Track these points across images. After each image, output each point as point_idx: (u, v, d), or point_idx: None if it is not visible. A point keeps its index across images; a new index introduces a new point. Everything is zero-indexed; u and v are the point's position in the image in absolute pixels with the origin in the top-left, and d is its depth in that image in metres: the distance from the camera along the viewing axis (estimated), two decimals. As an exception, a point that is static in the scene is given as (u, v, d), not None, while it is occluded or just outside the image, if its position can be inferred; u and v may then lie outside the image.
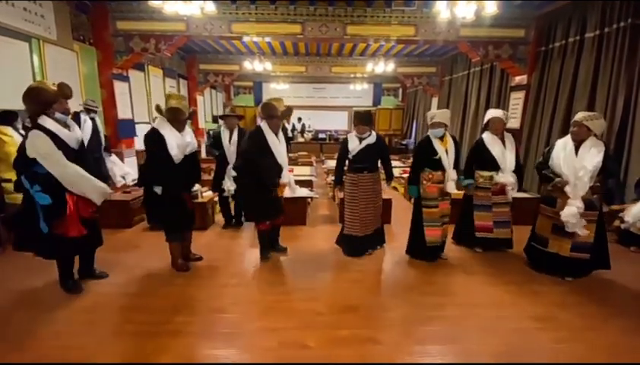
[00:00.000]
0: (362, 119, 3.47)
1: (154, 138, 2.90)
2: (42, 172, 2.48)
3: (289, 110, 3.30)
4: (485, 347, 2.23)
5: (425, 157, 3.41)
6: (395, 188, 6.87)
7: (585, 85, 5.03)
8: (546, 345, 2.27)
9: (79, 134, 2.71)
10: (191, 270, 3.25)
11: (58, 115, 2.57)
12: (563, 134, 5.34)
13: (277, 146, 3.27)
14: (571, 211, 2.96)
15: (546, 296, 2.86)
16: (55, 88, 2.57)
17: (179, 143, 2.92)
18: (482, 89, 7.91)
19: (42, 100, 2.50)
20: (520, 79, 6.34)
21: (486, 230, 3.69)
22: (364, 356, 2.14)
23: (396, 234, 4.34)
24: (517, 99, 6.41)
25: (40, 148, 2.45)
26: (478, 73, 8.07)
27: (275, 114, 3.22)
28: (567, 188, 2.99)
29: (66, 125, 2.63)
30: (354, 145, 3.46)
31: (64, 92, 2.61)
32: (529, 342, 2.29)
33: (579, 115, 3.02)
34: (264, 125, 3.27)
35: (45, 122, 2.50)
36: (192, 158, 3.13)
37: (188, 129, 3.10)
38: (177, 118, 2.94)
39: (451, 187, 3.42)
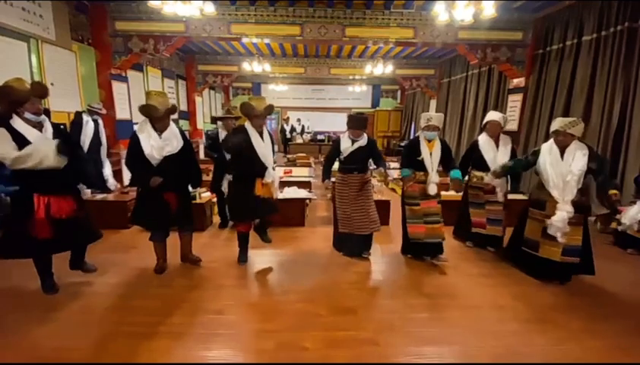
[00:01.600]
0: (359, 124, 3.47)
1: (130, 140, 2.95)
2: (4, 172, 2.48)
3: (269, 108, 3.20)
4: (482, 349, 2.23)
5: (410, 157, 3.50)
6: (394, 190, 6.89)
7: (582, 87, 5.06)
8: (544, 347, 2.27)
9: (49, 135, 2.58)
10: (183, 271, 3.24)
11: (28, 115, 2.48)
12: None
13: (261, 145, 3.21)
14: (562, 217, 2.95)
15: (542, 298, 2.87)
16: (28, 87, 2.48)
17: (153, 144, 2.88)
18: (480, 91, 7.94)
19: (12, 99, 2.43)
20: (518, 81, 6.37)
21: (481, 225, 3.82)
22: (361, 357, 2.14)
23: (394, 236, 4.34)
24: (515, 102, 6.44)
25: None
26: (476, 75, 8.11)
27: (252, 113, 3.17)
28: (554, 192, 3.01)
29: (39, 125, 2.55)
30: (346, 146, 3.51)
31: (37, 91, 2.52)
32: (526, 344, 2.29)
33: (560, 125, 2.98)
34: (247, 124, 3.24)
35: (15, 122, 2.45)
36: (178, 159, 3.02)
37: (172, 130, 3.00)
38: (149, 114, 2.89)
39: (432, 189, 3.43)
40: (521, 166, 3.41)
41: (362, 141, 3.49)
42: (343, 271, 3.36)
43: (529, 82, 6.15)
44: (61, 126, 2.89)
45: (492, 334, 2.39)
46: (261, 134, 3.25)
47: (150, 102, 2.88)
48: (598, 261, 3.23)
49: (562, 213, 2.95)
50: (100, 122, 5.03)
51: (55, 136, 2.61)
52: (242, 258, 3.50)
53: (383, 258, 3.71)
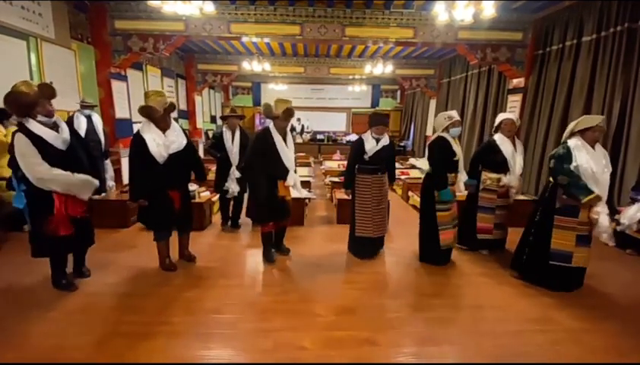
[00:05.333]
0: (382, 121, 3.45)
1: (134, 142, 2.90)
2: (19, 172, 2.49)
3: (288, 111, 3.21)
4: (482, 349, 2.23)
5: (446, 159, 3.33)
6: (393, 190, 6.89)
7: (582, 88, 5.06)
8: (543, 347, 2.27)
9: (67, 135, 2.62)
10: (182, 270, 3.24)
11: (41, 117, 2.49)
12: (560, 137, 5.39)
13: (283, 147, 3.24)
14: (607, 220, 2.79)
15: (542, 298, 2.87)
16: (36, 89, 2.47)
17: (159, 142, 2.87)
18: (480, 91, 7.94)
19: (21, 104, 2.42)
20: (517, 82, 6.37)
21: (487, 231, 3.71)
22: (361, 357, 2.14)
23: (394, 236, 4.34)
24: (514, 102, 6.44)
25: (18, 150, 2.44)
26: (476, 75, 8.10)
27: (271, 115, 3.20)
28: (596, 190, 2.76)
29: (55, 126, 2.57)
30: (371, 146, 3.41)
31: (45, 93, 2.51)
32: (526, 344, 2.29)
33: (598, 121, 2.83)
34: (271, 125, 3.26)
35: (30, 124, 2.45)
36: (183, 156, 3.04)
37: (174, 127, 3.02)
38: (150, 115, 2.86)
39: (461, 188, 3.46)
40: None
41: (385, 139, 3.47)
42: (342, 270, 3.36)
43: (529, 82, 6.15)
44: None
45: (492, 334, 2.39)
46: (284, 137, 3.27)
47: (149, 103, 2.87)
48: (597, 262, 3.23)
49: (605, 216, 2.79)
50: (95, 118, 4.77)
51: (71, 137, 2.68)
52: (270, 257, 3.47)
53: (383, 258, 3.70)
